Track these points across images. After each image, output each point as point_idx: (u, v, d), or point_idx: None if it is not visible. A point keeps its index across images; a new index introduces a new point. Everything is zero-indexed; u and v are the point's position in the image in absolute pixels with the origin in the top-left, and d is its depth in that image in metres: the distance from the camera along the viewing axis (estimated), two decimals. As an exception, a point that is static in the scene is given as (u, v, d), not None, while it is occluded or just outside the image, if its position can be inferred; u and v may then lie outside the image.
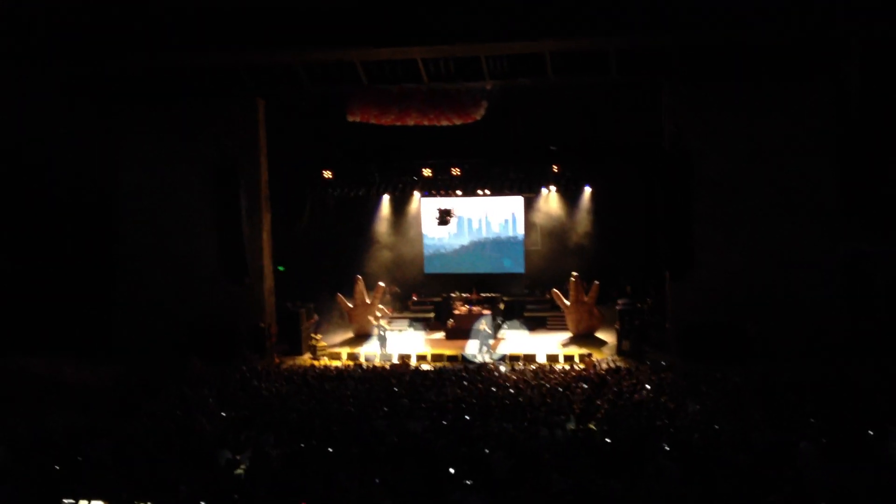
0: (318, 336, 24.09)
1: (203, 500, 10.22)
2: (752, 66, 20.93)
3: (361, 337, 25.01)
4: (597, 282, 23.86)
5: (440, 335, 25.03)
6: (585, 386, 16.89)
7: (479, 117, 23.13)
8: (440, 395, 16.52)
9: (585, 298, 23.94)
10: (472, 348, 22.65)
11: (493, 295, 26.32)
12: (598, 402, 15.26)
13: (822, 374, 16.65)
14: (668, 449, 12.19)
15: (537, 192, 27.46)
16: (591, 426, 13.65)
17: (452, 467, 11.53)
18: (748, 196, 21.58)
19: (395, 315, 26.53)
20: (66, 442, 13.75)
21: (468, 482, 10.45)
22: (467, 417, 14.51)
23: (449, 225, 26.92)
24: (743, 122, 21.54)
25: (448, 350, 22.72)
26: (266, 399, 16.51)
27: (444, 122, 23.33)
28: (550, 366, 20.51)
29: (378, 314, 24.85)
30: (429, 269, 28.68)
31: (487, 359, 21.62)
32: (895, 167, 15.93)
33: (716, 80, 21.46)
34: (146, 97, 23.51)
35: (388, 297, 26.37)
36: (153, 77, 22.76)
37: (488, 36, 20.24)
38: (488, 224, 28.37)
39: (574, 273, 24.11)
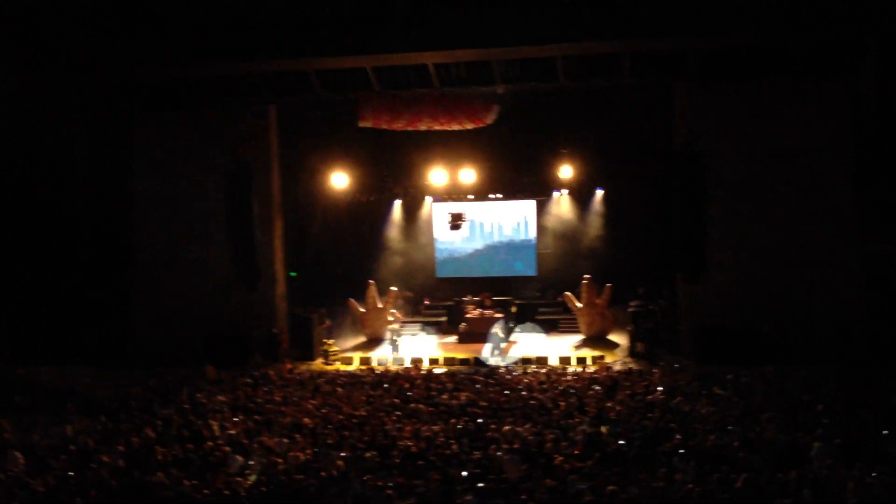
0: (331, 341, 24.11)
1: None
2: (766, 68, 20.82)
3: (374, 341, 25.02)
4: (609, 284, 23.78)
5: (452, 339, 25.03)
6: (598, 388, 16.86)
7: (490, 122, 23.13)
8: (453, 398, 16.53)
9: (598, 301, 23.88)
10: (485, 352, 22.64)
11: (506, 298, 26.30)
12: (611, 405, 15.22)
13: (836, 376, 16.54)
14: (681, 451, 12.16)
15: (549, 196, 27.42)
16: (604, 429, 13.60)
17: (466, 470, 11.55)
18: (763, 197, 21.45)
19: (407, 319, 26.53)
20: (80, 449, 13.86)
21: (481, 485, 10.47)
22: (480, 421, 14.51)
23: (461, 229, 26.91)
24: (757, 123, 21.42)
25: (460, 354, 22.70)
26: (279, 405, 16.56)
27: (456, 127, 23.34)
28: (563, 368, 20.46)
29: (390, 318, 24.87)
30: (441, 274, 28.67)
31: (500, 362, 21.60)
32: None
33: (729, 82, 21.36)
34: (160, 105, 23.62)
35: (400, 301, 26.37)
36: (167, 86, 22.87)
37: (499, 40, 20.25)
38: (500, 228, 28.33)
39: (586, 276, 24.05)
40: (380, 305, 24.95)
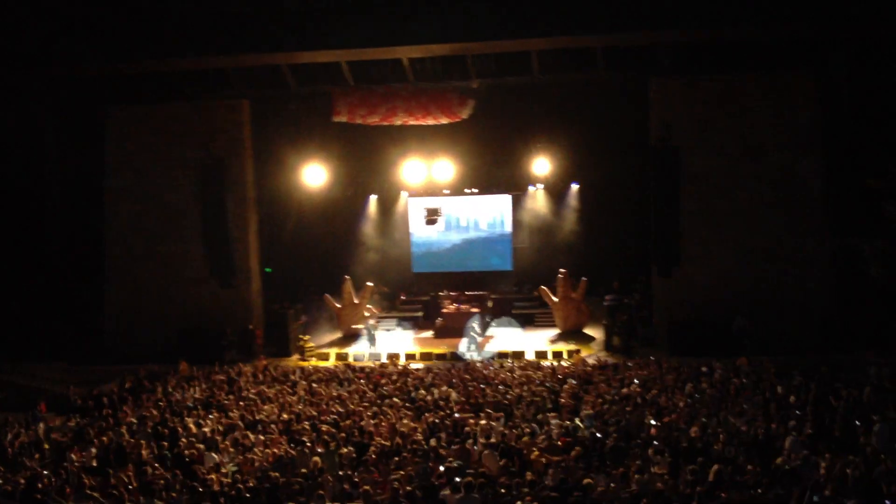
0: (307, 337, 24.00)
1: None
2: (738, 62, 21.05)
3: (350, 337, 24.92)
4: (584, 278, 23.87)
5: (429, 334, 25.02)
6: (574, 382, 16.92)
7: (465, 116, 23.12)
8: (429, 393, 16.53)
9: (573, 295, 23.96)
10: (462, 346, 22.65)
11: (482, 293, 26.33)
12: (587, 398, 15.29)
13: (808, 367, 16.73)
14: (656, 443, 12.25)
15: (525, 190, 27.46)
16: (580, 422, 13.67)
17: (443, 465, 11.56)
18: (735, 191, 21.66)
19: (384, 315, 26.47)
20: (53, 449, 13.72)
21: (458, 479, 10.47)
22: (457, 415, 14.52)
23: (436, 224, 26.89)
24: (730, 117, 21.62)
25: (437, 349, 22.70)
26: (254, 401, 16.47)
27: (431, 122, 23.33)
28: (539, 362, 20.52)
29: (366, 314, 24.81)
30: (417, 269, 28.63)
31: (476, 356, 21.62)
32: (881, 161, 16.02)
33: (702, 76, 21.56)
34: (131, 99, 23.43)
35: (376, 296, 26.30)
36: (139, 79, 22.69)
37: (474, 35, 20.23)
38: (476, 222, 28.36)
39: (562, 270, 24.12)
40: (356, 301, 24.87)
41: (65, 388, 18.99)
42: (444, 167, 25.51)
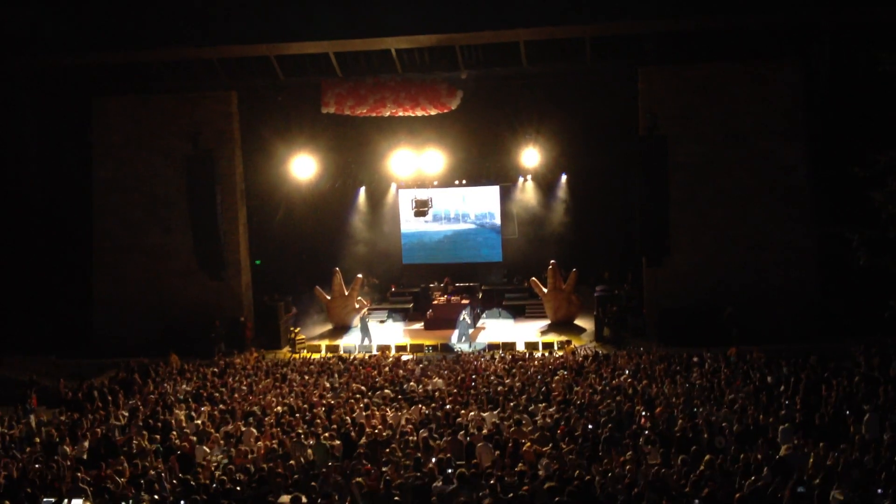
0: (297, 329, 23.98)
1: (183, 497, 10.18)
2: (723, 50, 21.11)
3: (340, 329, 24.91)
4: (574, 269, 23.92)
5: (419, 325, 25.02)
6: (565, 373, 16.96)
7: (454, 107, 23.08)
8: (420, 385, 16.54)
9: (563, 286, 24.00)
10: (453, 338, 22.67)
11: (472, 284, 26.33)
12: (578, 389, 15.33)
13: (796, 356, 16.82)
14: (647, 433, 12.31)
15: (514, 182, 27.46)
16: (572, 412, 13.70)
17: (435, 457, 11.57)
18: (721, 180, 21.74)
19: (374, 306, 26.45)
20: (45, 442, 13.66)
21: (450, 471, 10.49)
22: (448, 407, 14.53)
23: (426, 215, 26.88)
24: (716, 106, 21.69)
25: (428, 340, 22.71)
26: (245, 394, 16.45)
27: (420, 113, 23.28)
28: (530, 353, 20.55)
29: (357, 306, 24.78)
30: (407, 260, 28.62)
31: (467, 348, 21.64)
32: (866, 149, 16.10)
33: (687, 65, 21.61)
34: (117, 90, 23.27)
35: (366, 288, 26.28)
36: (125, 70, 22.53)
37: (462, 25, 20.19)
38: (465, 214, 28.36)
39: (552, 261, 24.16)
40: (346, 293, 24.83)
41: (54, 381, 18.89)
42: (433, 158, 25.45)
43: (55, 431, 14.15)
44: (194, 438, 13.20)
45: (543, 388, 15.52)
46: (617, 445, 11.86)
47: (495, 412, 14.19)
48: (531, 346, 21.52)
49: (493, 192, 27.97)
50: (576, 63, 21.69)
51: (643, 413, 13.42)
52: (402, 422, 13.85)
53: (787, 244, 21.49)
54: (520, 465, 10.96)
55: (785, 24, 20.44)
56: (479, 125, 24.68)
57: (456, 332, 22.84)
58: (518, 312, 25.47)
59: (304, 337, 23.83)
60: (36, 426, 14.82)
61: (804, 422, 12.34)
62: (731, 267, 21.61)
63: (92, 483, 10.86)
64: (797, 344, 18.82)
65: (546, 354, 20.31)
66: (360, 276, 25.28)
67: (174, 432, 13.56)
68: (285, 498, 9.87)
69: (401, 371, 18.07)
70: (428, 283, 26.50)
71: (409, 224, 28.23)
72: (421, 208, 25.91)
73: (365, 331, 23.04)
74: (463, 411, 14.20)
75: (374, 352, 21.64)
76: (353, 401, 15.30)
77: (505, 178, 27.31)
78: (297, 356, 21.73)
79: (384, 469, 10.99)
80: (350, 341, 23.20)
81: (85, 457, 12.78)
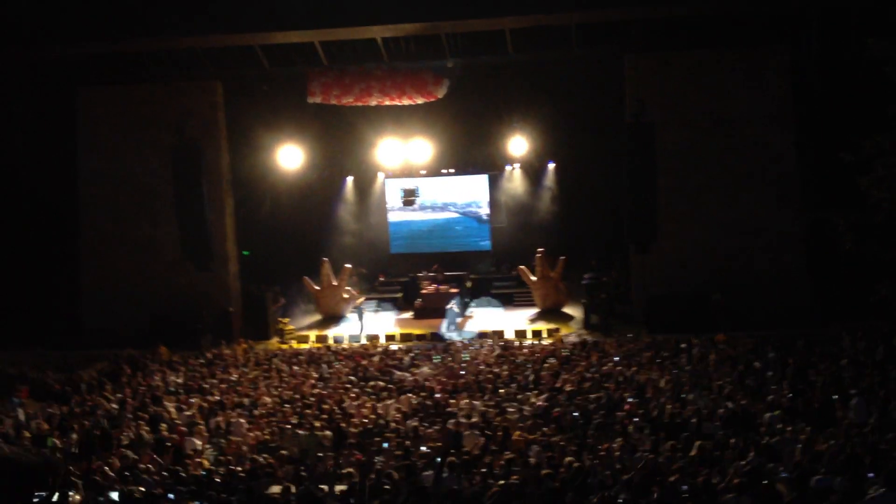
0: (286, 319, 23.94)
1: (172, 488, 10.16)
2: (710, 37, 21.08)
3: (329, 319, 24.89)
4: (563, 257, 23.94)
5: (408, 315, 25.01)
6: (554, 361, 17.00)
7: (440, 96, 23.01)
8: (410, 374, 16.55)
9: (551, 274, 24.02)
10: (442, 327, 22.70)
11: (460, 273, 26.33)
12: (567, 377, 15.37)
13: (784, 341, 16.92)
14: (637, 419, 12.36)
15: (501, 170, 27.44)
16: (561, 400, 13.74)
17: (424, 445, 11.60)
18: (708, 166, 21.78)
19: (364, 296, 26.41)
20: (35, 435, 13.59)
21: (439, 459, 10.51)
22: (437, 395, 14.55)
23: (413, 204, 26.84)
24: (704, 92, 21.71)
25: (417, 329, 22.72)
26: (234, 385, 16.42)
27: (406, 102, 23.18)
28: (518, 342, 20.58)
29: (345, 296, 24.74)
30: (395, 250, 28.60)
31: (456, 337, 21.67)
32: (854, 135, 16.15)
33: (676, 51, 21.61)
34: (103, 81, 23.09)
35: (354, 278, 26.24)
36: (110, 60, 22.34)
37: (447, 13, 20.09)
38: (453, 203, 28.33)
39: (540, 249, 24.17)
40: (334, 283, 24.79)
41: (42, 373, 18.78)
42: (420, 147, 25.40)
43: (44, 424, 14.08)
44: (185, 430, 13.17)
45: (532, 377, 15.56)
46: (607, 432, 11.91)
47: (484, 399, 14.22)
48: (520, 335, 21.55)
49: (480, 180, 27.96)
50: (562, 50, 21.61)
51: (631, 400, 13.48)
52: (393, 411, 13.87)
53: (774, 230, 21.56)
54: (506, 452, 10.99)
55: (773, 10, 20.45)
56: (466, 114, 24.58)
57: (445, 321, 22.87)
58: (507, 300, 25.50)
59: (292, 327, 23.79)
60: (25, 419, 14.74)
61: (791, 406, 12.42)
62: (718, 253, 21.67)
63: (82, 476, 10.81)
64: (785, 329, 18.91)
65: (535, 342, 20.35)
66: (348, 265, 25.23)
67: (164, 424, 13.52)
68: (276, 488, 9.86)
69: (390, 360, 18.07)
70: (416, 272, 26.47)
71: (396, 214, 28.18)
72: (408, 197, 25.88)
73: (360, 315, 23.10)
74: (453, 400, 14.23)
75: (364, 341, 21.63)
76: (343, 390, 15.31)
77: (492, 167, 27.28)
78: (285, 346, 21.70)
79: (375, 458, 11.00)
80: (340, 331, 23.18)
81: (74, 450, 12.73)
